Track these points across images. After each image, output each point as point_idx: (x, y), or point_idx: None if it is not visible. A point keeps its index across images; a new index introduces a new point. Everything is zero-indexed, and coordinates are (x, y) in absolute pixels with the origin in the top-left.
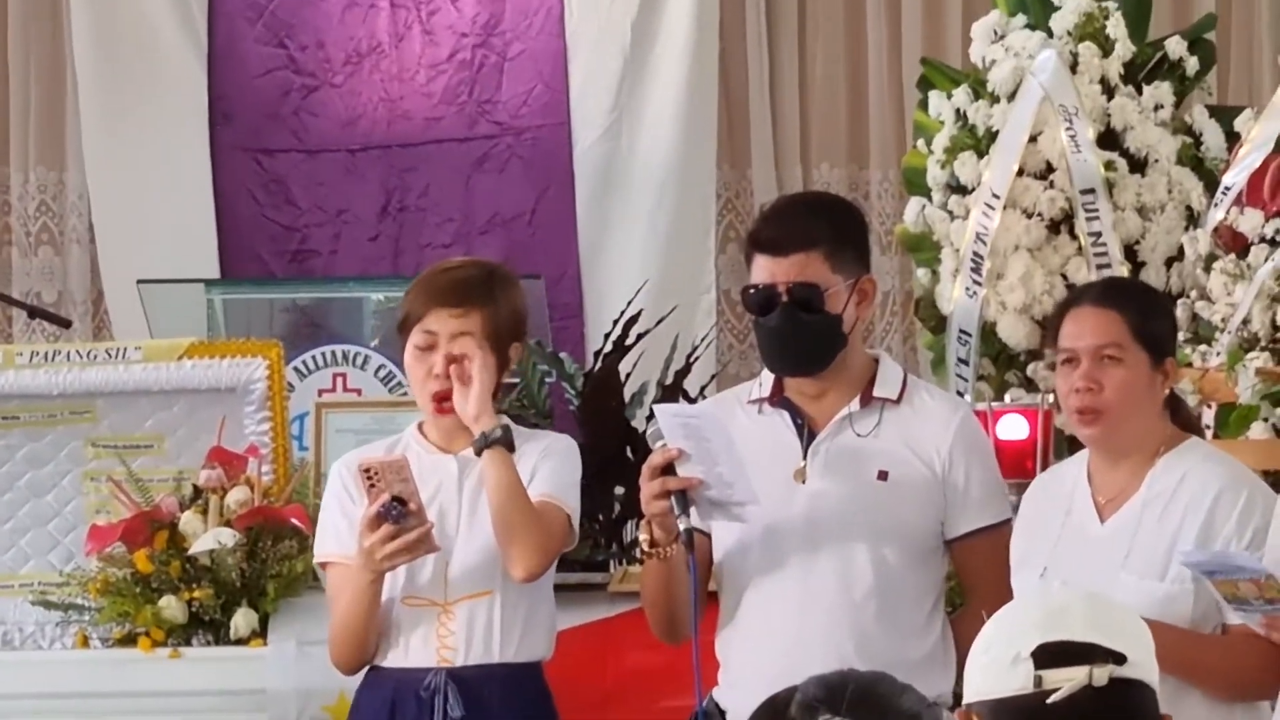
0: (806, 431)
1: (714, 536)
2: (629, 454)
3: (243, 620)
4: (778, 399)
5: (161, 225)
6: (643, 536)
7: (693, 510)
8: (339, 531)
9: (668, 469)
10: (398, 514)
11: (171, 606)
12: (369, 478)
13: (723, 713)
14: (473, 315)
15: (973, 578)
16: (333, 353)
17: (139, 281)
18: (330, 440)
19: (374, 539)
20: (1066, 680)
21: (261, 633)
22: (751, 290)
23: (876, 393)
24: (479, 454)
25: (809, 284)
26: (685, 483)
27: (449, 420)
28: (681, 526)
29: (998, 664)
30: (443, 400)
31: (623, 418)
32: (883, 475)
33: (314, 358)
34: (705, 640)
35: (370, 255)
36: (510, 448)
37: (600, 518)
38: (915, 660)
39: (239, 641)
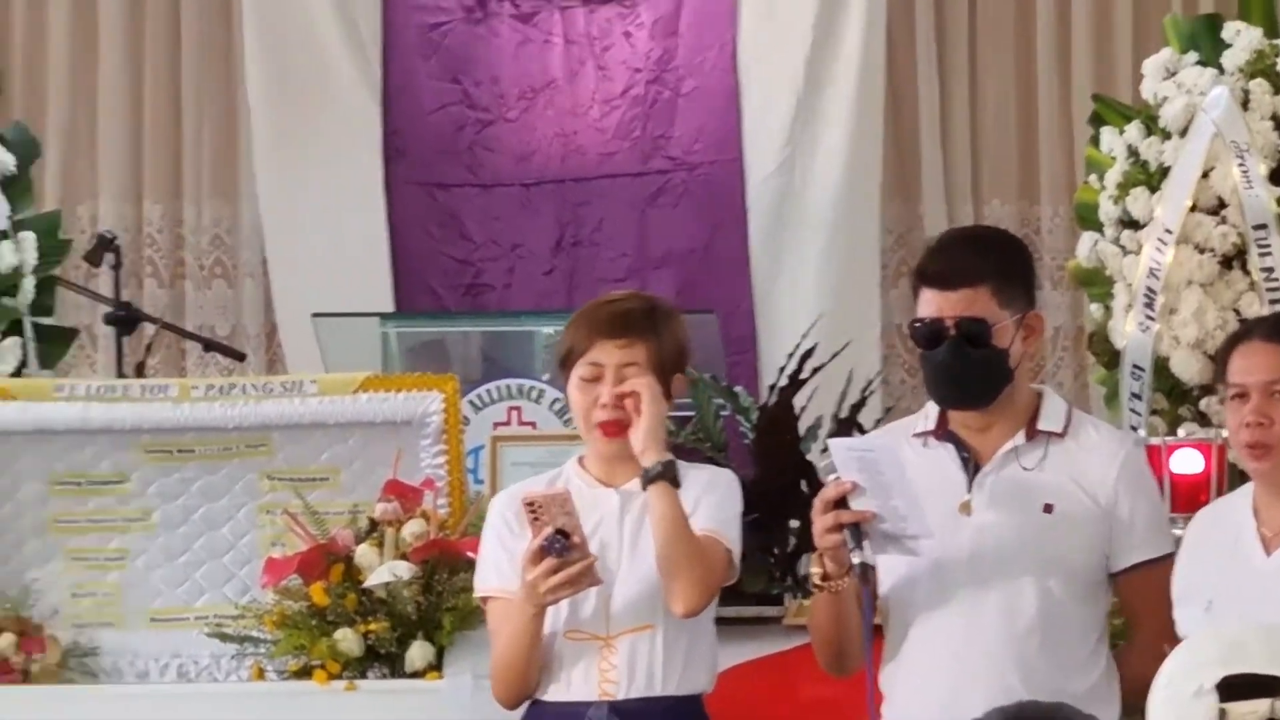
0: (972, 465)
1: (880, 569)
2: (803, 487)
3: (418, 653)
4: (943, 432)
5: (336, 259)
6: (814, 570)
7: (866, 544)
8: (499, 565)
9: (841, 502)
10: (561, 547)
11: (347, 639)
12: (532, 511)
13: None
14: (638, 347)
15: (1136, 611)
16: (507, 386)
17: (314, 315)
18: (506, 473)
19: (537, 573)
20: (1250, 713)
21: (437, 666)
22: (918, 324)
23: (1041, 426)
24: (645, 488)
25: (976, 319)
26: (859, 516)
27: (612, 451)
28: (855, 560)
29: (1179, 697)
30: (612, 431)
31: (797, 451)
32: (1048, 508)
33: (489, 391)
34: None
35: (544, 289)
36: (675, 483)
37: (775, 551)
38: (1080, 694)
39: (414, 674)
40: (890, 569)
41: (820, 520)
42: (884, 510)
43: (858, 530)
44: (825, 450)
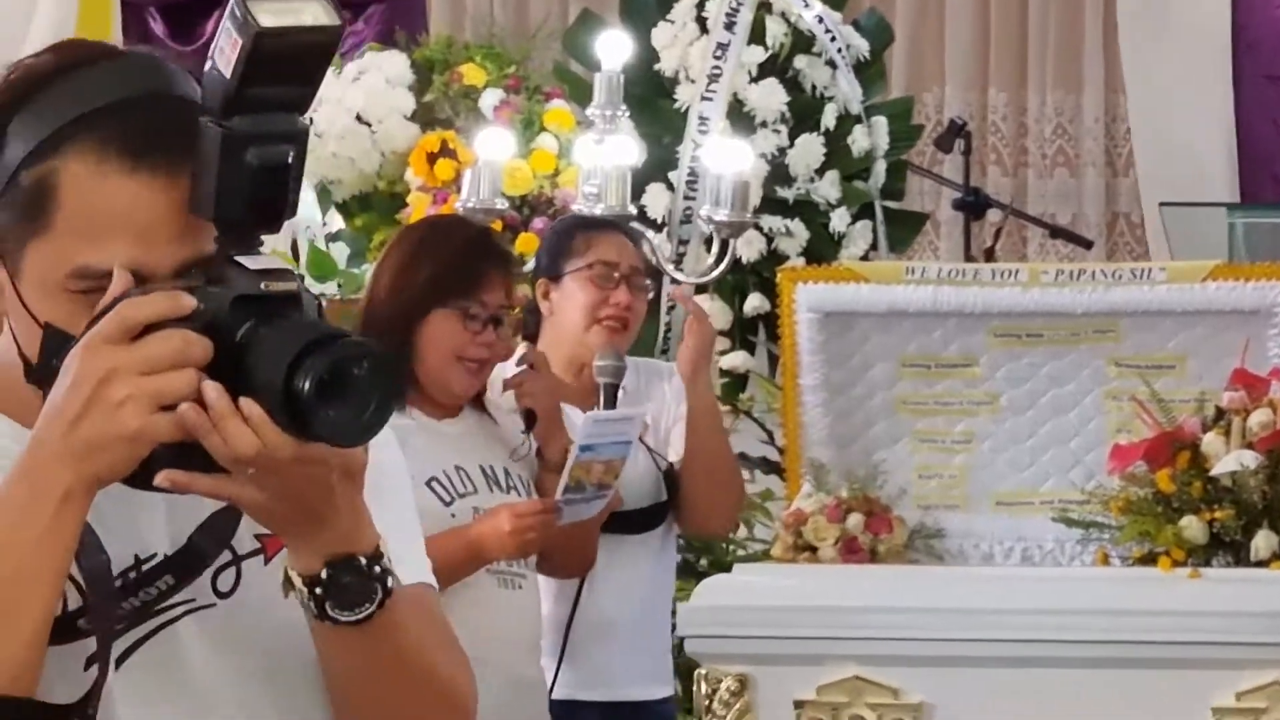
0: None
1: None
2: None
3: (1264, 542)
4: None
5: (1185, 149)
6: None
7: None
8: None
9: None
10: None
11: (1192, 527)
12: None
13: None
14: None
15: None
16: None
17: (1161, 204)
18: None
19: None
20: None
21: None
22: None
23: None
24: None
25: None
26: None
27: None
28: None
29: None
30: None
31: None
32: None
33: None
34: None
35: None
36: None
37: None
38: None
39: (1259, 563)
40: None
41: None
42: None
43: None
44: None
